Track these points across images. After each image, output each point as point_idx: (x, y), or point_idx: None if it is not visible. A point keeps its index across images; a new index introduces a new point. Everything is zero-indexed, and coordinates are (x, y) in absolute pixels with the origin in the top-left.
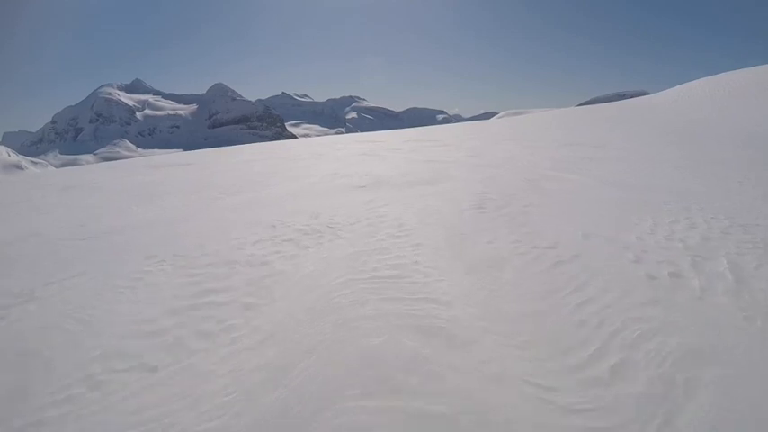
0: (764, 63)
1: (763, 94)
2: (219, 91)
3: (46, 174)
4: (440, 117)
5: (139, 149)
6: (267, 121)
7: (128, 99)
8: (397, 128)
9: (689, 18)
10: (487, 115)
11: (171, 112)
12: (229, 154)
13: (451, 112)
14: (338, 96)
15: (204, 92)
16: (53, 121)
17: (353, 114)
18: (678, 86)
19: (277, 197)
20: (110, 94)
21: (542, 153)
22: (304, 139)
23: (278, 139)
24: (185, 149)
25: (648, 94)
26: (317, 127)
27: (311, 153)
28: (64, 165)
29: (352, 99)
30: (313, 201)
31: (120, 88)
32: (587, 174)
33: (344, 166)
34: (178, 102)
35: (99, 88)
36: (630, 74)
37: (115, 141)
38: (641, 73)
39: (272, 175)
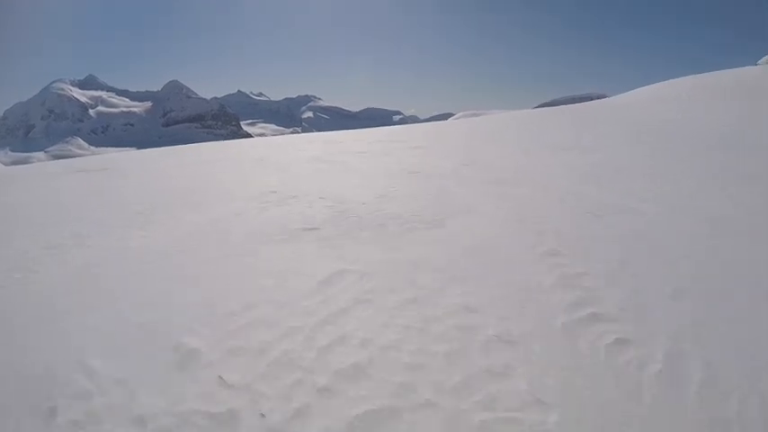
0: (722, 69)
1: (724, 98)
2: (174, 88)
3: None
4: (396, 117)
5: (92, 147)
6: (222, 120)
7: (80, 95)
8: (353, 128)
9: (646, 22)
10: (444, 116)
11: (125, 110)
12: (164, 156)
13: (408, 112)
14: (294, 95)
15: (159, 89)
16: (3, 117)
17: (310, 114)
18: (639, 89)
19: (118, 273)
20: (62, 89)
21: (547, 159)
22: (257, 138)
23: (233, 138)
24: (139, 148)
25: (607, 96)
26: (273, 126)
27: (254, 157)
28: (15, 163)
29: (308, 98)
30: (180, 288)
31: (74, 84)
32: (652, 198)
33: (290, 180)
34: (132, 99)
35: (51, 83)
36: (588, 76)
37: (67, 139)
38: (598, 75)
39: (179, 197)
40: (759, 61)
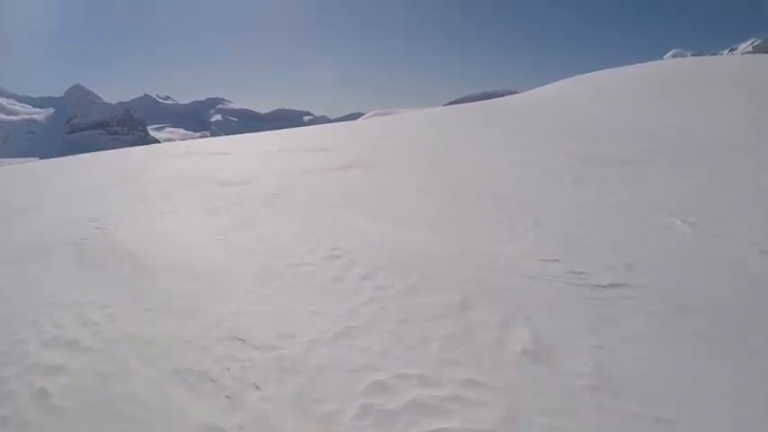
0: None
1: (637, 94)
2: (78, 93)
3: None
4: (306, 118)
5: None
6: (128, 125)
7: None
8: (263, 130)
9: (554, 18)
10: (354, 116)
11: (26, 117)
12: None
13: (318, 113)
14: (203, 98)
15: (62, 94)
16: None
17: (218, 117)
18: (549, 85)
19: None
20: None
21: (506, 168)
22: (136, 148)
23: (140, 143)
24: (42, 157)
25: (516, 92)
26: (182, 131)
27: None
28: None
29: (216, 101)
30: None
31: None
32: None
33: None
34: (34, 105)
35: None
36: (497, 73)
37: None
38: (507, 72)
39: None
40: (665, 56)
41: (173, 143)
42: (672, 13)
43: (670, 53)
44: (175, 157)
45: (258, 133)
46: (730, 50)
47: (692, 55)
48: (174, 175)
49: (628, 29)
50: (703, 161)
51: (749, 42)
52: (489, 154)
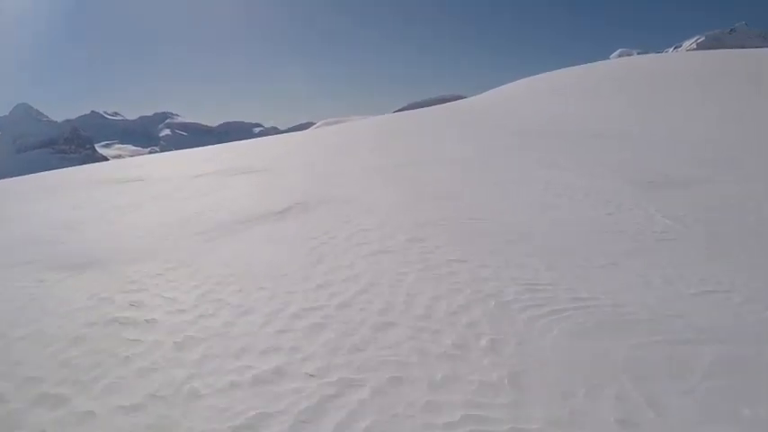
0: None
1: (586, 94)
2: (23, 112)
3: None
4: (257, 130)
5: None
6: (76, 144)
7: None
8: (212, 143)
9: (496, 23)
10: (305, 125)
11: None
12: None
13: (268, 124)
14: (151, 113)
15: (7, 113)
16: None
17: (167, 131)
18: (499, 87)
19: None
20: None
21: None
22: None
23: (87, 162)
24: None
25: (465, 97)
26: (130, 147)
27: None
28: None
29: (165, 115)
30: None
31: None
32: None
33: None
34: None
35: None
36: (443, 79)
37: None
38: (455, 77)
39: None
40: (612, 55)
41: (78, 168)
42: (615, 13)
43: (616, 52)
44: (69, 187)
45: (185, 151)
46: (675, 48)
47: (638, 53)
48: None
49: (572, 31)
50: None
51: (693, 40)
52: (461, 165)
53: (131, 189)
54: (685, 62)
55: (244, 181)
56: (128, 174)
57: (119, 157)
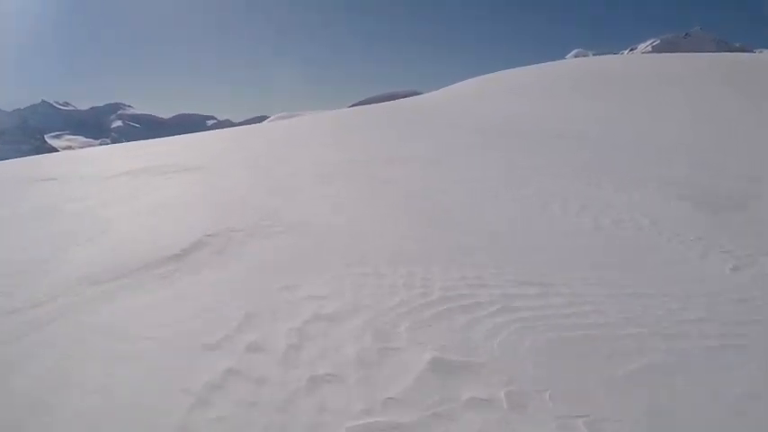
0: (533, 63)
1: (546, 92)
2: None
3: None
4: (210, 122)
5: None
6: (25, 134)
7: None
8: (165, 135)
9: (452, 19)
10: (259, 119)
11: None
12: None
13: (222, 117)
14: (102, 104)
15: None
16: None
17: (119, 123)
18: (455, 84)
19: None
20: None
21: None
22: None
23: (37, 153)
24: None
25: (420, 93)
26: (81, 138)
27: None
28: None
29: (117, 106)
30: None
31: None
32: None
33: None
34: None
35: None
36: (400, 74)
37: None
38: (410, 73)
39: None
40: (568, 55)
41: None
42: (570, 14)
43: (572, 53)
44: None
45: (124, 144)
46: (631, 50)
47: (594, 54)
48: None
49: (527, 30)
50: None
51: (648, 42)
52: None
53: (33, 193)
54: (648, 63)
55: (167, 183)
56: (48, 171)
57: (69, 148)
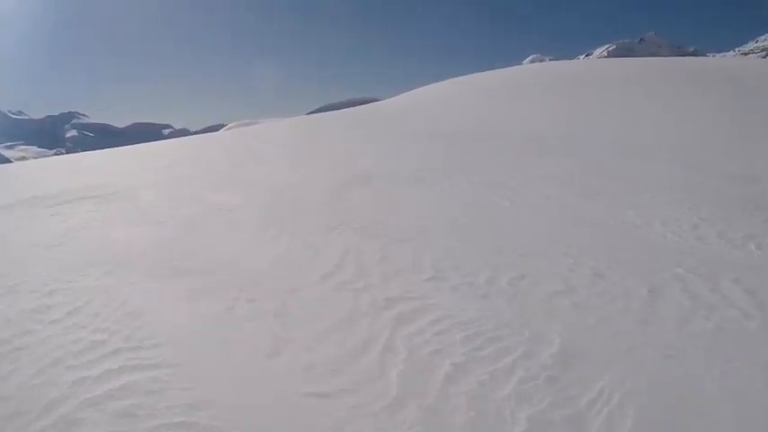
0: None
1: (517, 95)
2: None
3: None
4: (166, 131)
5: None
6: None
7: None
8: (120, 145)
9: (408, 26)
10: (216, 127)
11: None
12: None
13: (178, 125)
14: (57, 113)
15: None
16: None
17: (74, 132)
18: (414, 90)
19: None
20: None
21: None
22: None
23: None
24: None
25: (379, 100)
26: (35, 148)
27: None
28: None
29: (72, 115)
30: None
31: None
32: None
33: None
34: None
35: None
36: (355, 81)
37: None
38: (368, 80)
39: None
40: (524, 61)
41: None
42: (525, 20)
43: (529, 58)
44: None
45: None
46: (587, 55)
47: (551, 59)
48: None
49: (483, 36)
50: None
51: (604, 48)
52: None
53: None
54: (610, 67)
55: (42, 224)
56: None
57: (23, 159)
